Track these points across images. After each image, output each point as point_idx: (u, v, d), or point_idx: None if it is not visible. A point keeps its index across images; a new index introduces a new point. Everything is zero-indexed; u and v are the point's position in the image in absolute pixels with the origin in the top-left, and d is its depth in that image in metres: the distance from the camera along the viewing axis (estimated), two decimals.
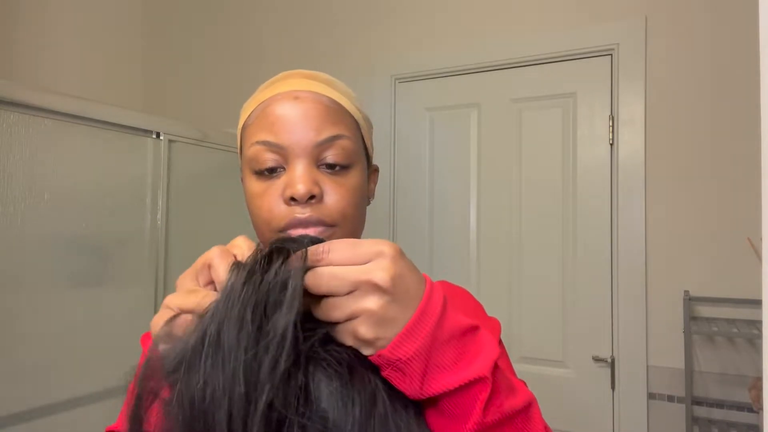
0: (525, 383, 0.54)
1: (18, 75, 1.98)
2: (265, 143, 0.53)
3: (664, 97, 1.58)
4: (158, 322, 0.36)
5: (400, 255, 0.36)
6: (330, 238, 0.52)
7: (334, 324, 0.35)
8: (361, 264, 0.35)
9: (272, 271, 0.33)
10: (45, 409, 1.27)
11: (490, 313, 0.65)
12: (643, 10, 1.61)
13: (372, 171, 0.63)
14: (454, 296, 0.61)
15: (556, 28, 1.73)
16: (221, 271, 0.36)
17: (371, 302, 0.34)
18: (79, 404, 1.35)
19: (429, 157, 1.94)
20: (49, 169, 1.31)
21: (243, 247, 0.38)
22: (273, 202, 0.52)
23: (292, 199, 0.51)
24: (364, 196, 0.57)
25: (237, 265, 0.35)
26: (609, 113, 1.66)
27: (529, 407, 0.40)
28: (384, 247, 0.36)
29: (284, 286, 0.33)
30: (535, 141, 1.77)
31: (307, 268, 0.35)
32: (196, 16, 2.44)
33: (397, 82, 2.00)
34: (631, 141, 1.61)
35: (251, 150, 0.54)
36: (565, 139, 1.73)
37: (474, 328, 0.38)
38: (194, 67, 2.42)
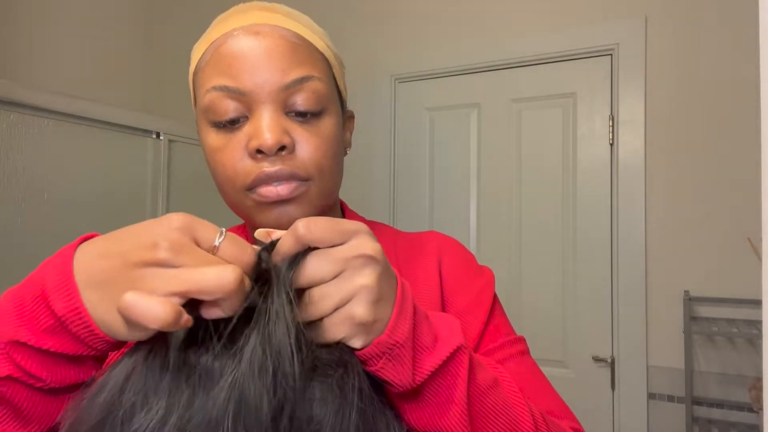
0: (524, 339, 0.54)
1: (18, 75, 1.98)
2: (223, 89, 0.45)
3: (664, 97, 1.58)
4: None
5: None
6: (305, 193, 0.46)
7: (317, 321, 0.31)
8: (341, 243, 0.31)
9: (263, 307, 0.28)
10: None
11: None
12: (643, 10, 1.61)
13: (347, 117, 0.56)
14: (447, 246, 0.57)
15: (556, 28, 1.73)
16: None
17: (367, 277, 0.30)
18: None
19: (429, 157, 1.94)
20: (49, 169, 1.31)
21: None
22: (236, 156, 0.45)
23: (259, 151, 0.44)
24: (340, 146, 0.50)
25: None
26: (609, 113, 1.66)
27: (497, 381, 0.38)
28: (358, 224, 0.32)
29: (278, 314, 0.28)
30: (535, 141, 1.77)
31: (291, 265, 0.30)
32: (196, 15, 2.44)
33: (397, 82, 2.00)
34: (631, 141, 1.61)
35: (207, 97, 0.46)
36: (565, 139, 1.73)
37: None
38: None
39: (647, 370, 1.55)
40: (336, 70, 0.51)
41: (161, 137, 1.60)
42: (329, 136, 0.47)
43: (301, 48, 0.47)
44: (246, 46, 0.45)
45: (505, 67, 1.82)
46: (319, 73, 0.47)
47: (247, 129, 0.45)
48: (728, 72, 1.50)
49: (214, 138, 0.47)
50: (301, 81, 0.45)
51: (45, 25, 2.11)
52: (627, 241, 1.60)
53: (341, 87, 0.53)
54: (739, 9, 1.49)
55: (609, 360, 1.62)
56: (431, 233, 0.59)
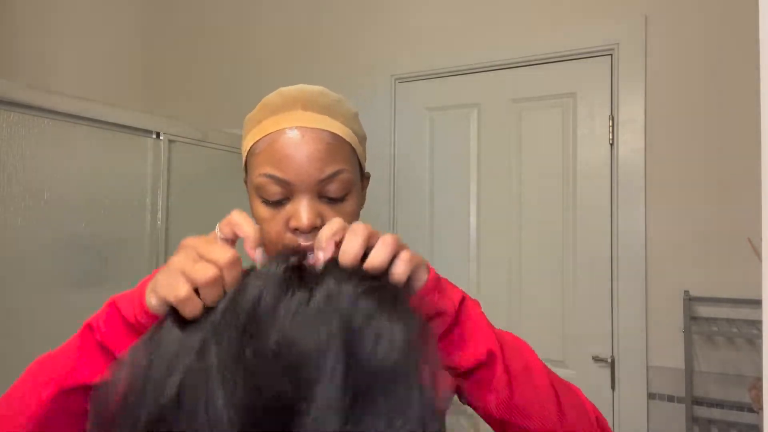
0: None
1: (18, 75, 1.98)
2: (272, 177, 0.58)
3: (664, 97, 1.58)
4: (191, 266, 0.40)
5: None
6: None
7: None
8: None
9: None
10: None
11: (489, 312, 0.69)
12: (643, 10, 1.61)
13: (364, 179, 0.69)
14: None
15: (556, 28, 1.73)
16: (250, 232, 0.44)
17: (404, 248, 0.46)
18: None
19: (429, 157, 1.94)
20: (49, 169, 1.31)
21: (245, 227, 0.44)
22: (279, 229, 0.58)
23: (296, 229, 0.57)
24: (359, 214, 0.65)
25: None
26: (609, 113, 1.66)
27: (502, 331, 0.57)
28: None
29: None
30: (535, 141, 1.77)
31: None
32: (195, 16, 2.44)
33: (397, 82, 2.00)
34: (631, 141, 1.61)
35: (259, 179, 0.59)
36: (565, 139, 1.73)
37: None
38: (194, 67, 2.42)
39: (647, 370, 1.55)
40: (359, 152, 0.65)
41: (161, 137, 1.60)
42: (351, 213, 0.61)
43: (335, 147, 0.60)
44: (293, 147, 0.58)
45: (505, 67, 1.82)
46: (347, 165, 0.61)
47: (289, 208, 0.58)
48: (728, 72, 1.50)
49: (263, 210, 0.60)
50: (333, 175, 0.59)
51: (45, 25, 2.11)
52: (627, 240, 1.60)
53: (362, 161, 0.67)
54: (739, 9, 1.49)
55: (609, 360, 1.62)
56: None
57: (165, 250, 1.60)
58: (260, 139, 0.61)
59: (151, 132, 1.58)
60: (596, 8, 1.68)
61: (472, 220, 1.85)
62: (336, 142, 0.61)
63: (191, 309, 0.38)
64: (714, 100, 1.52)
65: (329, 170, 0.58)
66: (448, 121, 1.92)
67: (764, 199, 0.36)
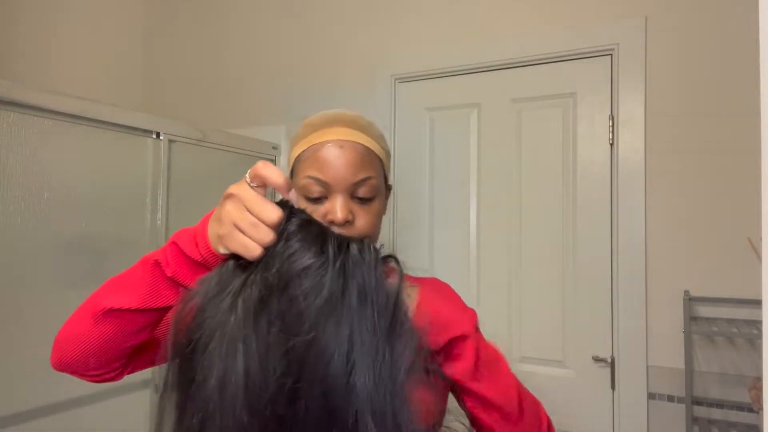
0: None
1: (18, 75, 1.98)
2: (315, 179, 0.70)
3: (664, 97, 1.58)
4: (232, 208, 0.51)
5: None
6: None
7: None
8: None
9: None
10: (45, 409, 1.27)
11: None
12: (643, 10, 1.61)
13: (387, 189, 0.80)
14: (440, 290, 0.80)
15: (556, 28, 1.73)
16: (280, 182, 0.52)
17: None
18: (79, 404, 1.35)
19: (429, 157, 1.94)
20: (49, 169, 1.31)
21: (273, 178, 0.51)
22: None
23: (332, 222, 0.68)
24: (382, 217, 0.76)
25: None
26: (609, 113, 1.66)
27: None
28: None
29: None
30: (535, 141, 1.77)
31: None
32: (196, 16, 2.44)
33: (397, 82, 2.00)
34: (631, 141, 1.61)
35: (304, 180, 0.71)
36: (565, 139, 1.73)
37: None
38: (194, 67, 2.42)
39: (647, 370, 1.55)
40: (386, 165, 0.78)
41: (161, 137, 1.60)
42: (377, 213, 0.74)
43: (367, 158, 0.73)
44: (333, 155, 0.71)
45: (505, 67, 1.82)
46: (376, 173, 0.73)
47: (327, 205, 0.70)
48: (728, 72, 1.50)
49: (304, 206, 0.70)
50: (364, 180, 0.71)
51: (45, 24, 2.11)
52: (627, 241, 1.60)
53: (387, 174, 0.79)
54: (739, 9, 1.49)
55: (609, 360, 1.62)
56: (432, 280, 0.83)
57: None
58: (306, 148, 0.73)
59: (151, 132, 1.58)
60: (596, 8, 1.68)
61: (472, 220, 1.85)
62: (368, 153, 0.73)
63: (256, 258, 0.49)
64: (714, 99, 1.52)
65: (361, 175, 0.71)
66: (448, 121, 1.91)
67: (764, 199, 0.36)
